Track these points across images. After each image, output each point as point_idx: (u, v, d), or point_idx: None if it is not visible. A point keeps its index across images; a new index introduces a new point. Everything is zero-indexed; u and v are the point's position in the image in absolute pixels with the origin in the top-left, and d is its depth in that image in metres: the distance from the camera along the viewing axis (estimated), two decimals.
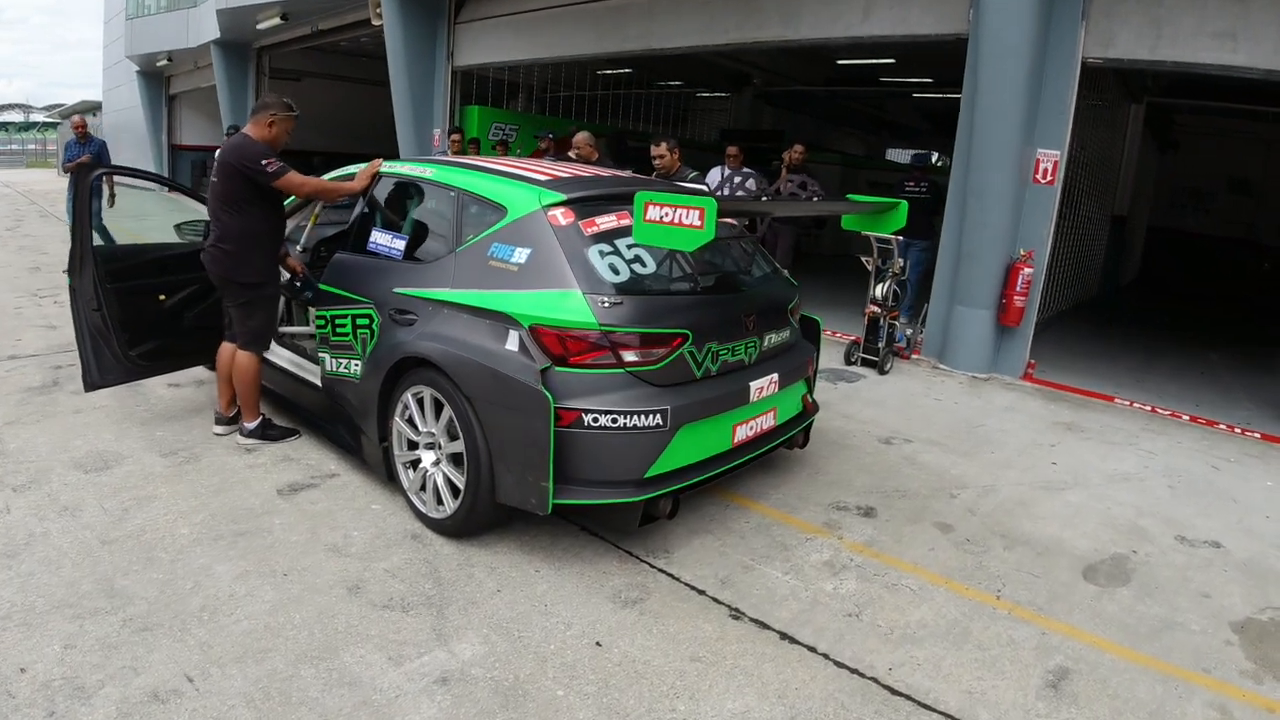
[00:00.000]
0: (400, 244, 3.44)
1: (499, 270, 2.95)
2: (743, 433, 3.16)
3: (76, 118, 9.40)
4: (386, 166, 3.73)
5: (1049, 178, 5.50)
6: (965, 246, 5.72)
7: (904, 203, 3.57)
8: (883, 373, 5.75)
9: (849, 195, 4.02)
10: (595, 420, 2.72)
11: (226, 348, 3.75)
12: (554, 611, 2.65)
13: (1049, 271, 6.04)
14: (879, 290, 5.73)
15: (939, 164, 12.78)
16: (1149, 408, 5.46)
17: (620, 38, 8.63)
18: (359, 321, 3.43)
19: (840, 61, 11.63)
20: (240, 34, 13.25)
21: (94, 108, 28.25)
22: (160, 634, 2.40)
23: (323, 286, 3.68)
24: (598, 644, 2.48)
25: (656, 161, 4.83)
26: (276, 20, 11.59)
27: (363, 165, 3.82)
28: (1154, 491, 4.03)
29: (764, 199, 3.08)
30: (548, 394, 2.60)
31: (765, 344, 3.27)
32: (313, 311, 3.78)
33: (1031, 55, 5.25)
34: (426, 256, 3.31)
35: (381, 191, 3.73)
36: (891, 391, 5.45)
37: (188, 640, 2.38)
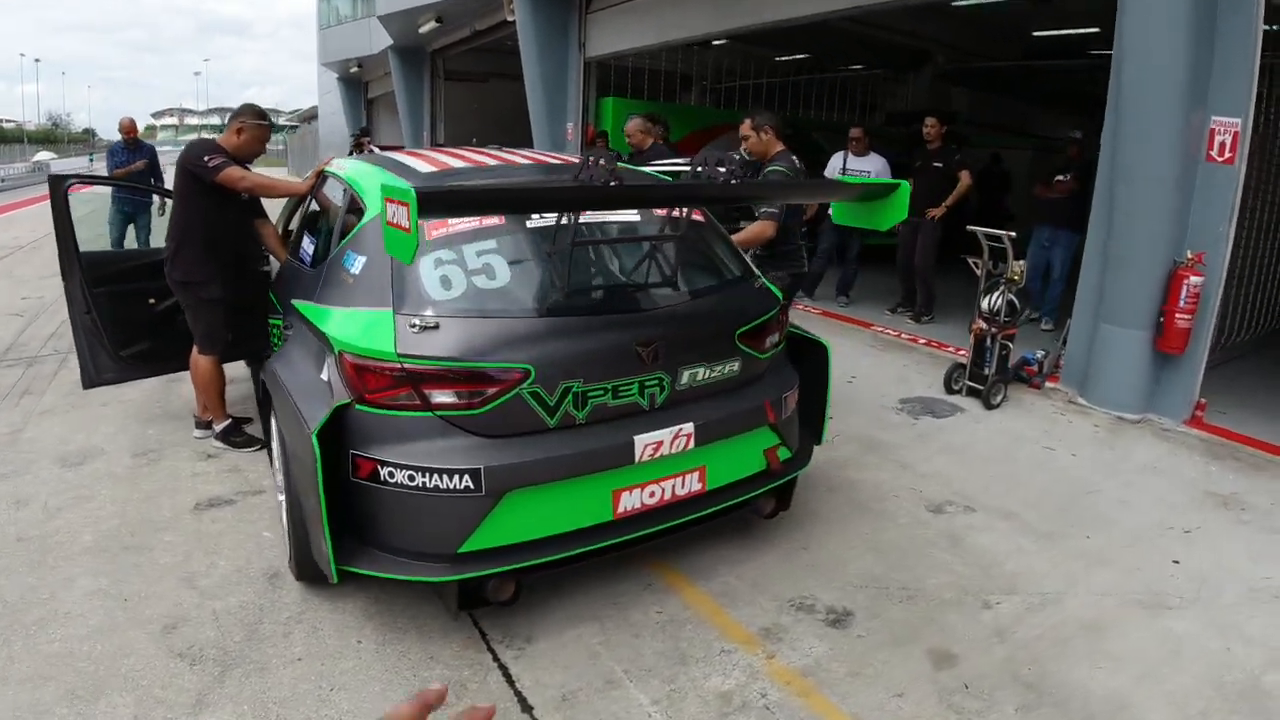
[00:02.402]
0: (310, 250, 3.14)
1: (343, 283, 2.51)
2: (632, 501, 2.40)
3: (125, 120, 8.06)
4: (330, 166, 3.45)
5: (1227, 154, 3.80)
6: (1113, 247, 4.18)
7: (904, 184, 2.52)
8: (989, 406, 4.43)
9: (843, 178, 2.99)
10: (392, 475, 2.17)
11: (194, 350, 3.73)
12: (333, 700, 2.17)
13: (1231, 280, 4.31)
14: (987, 301, 4.41)
15: None
16: None
17: (736, 13, 7.98)
18: (274, 333, 3.21)
19: (1036, 33, 9.67)
20: (411, 39, 14.13)
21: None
22: None
23: (271, 295, 3.52)
24: None
25: (744, 144, 3.93)
26: (434, 23, 12.16)
27: None
28: None
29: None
30: (314, 436, 2.09)
31: (680, 382, 2.47)
32: None
33: None
34: (316, 264, 2.97)
35: (320, 193, 3.46)
36: (988, 434, 4.16)
37: (2, 652, 2.32)
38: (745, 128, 3.77)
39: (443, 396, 2.17)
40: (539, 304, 2.35)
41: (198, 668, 2.29)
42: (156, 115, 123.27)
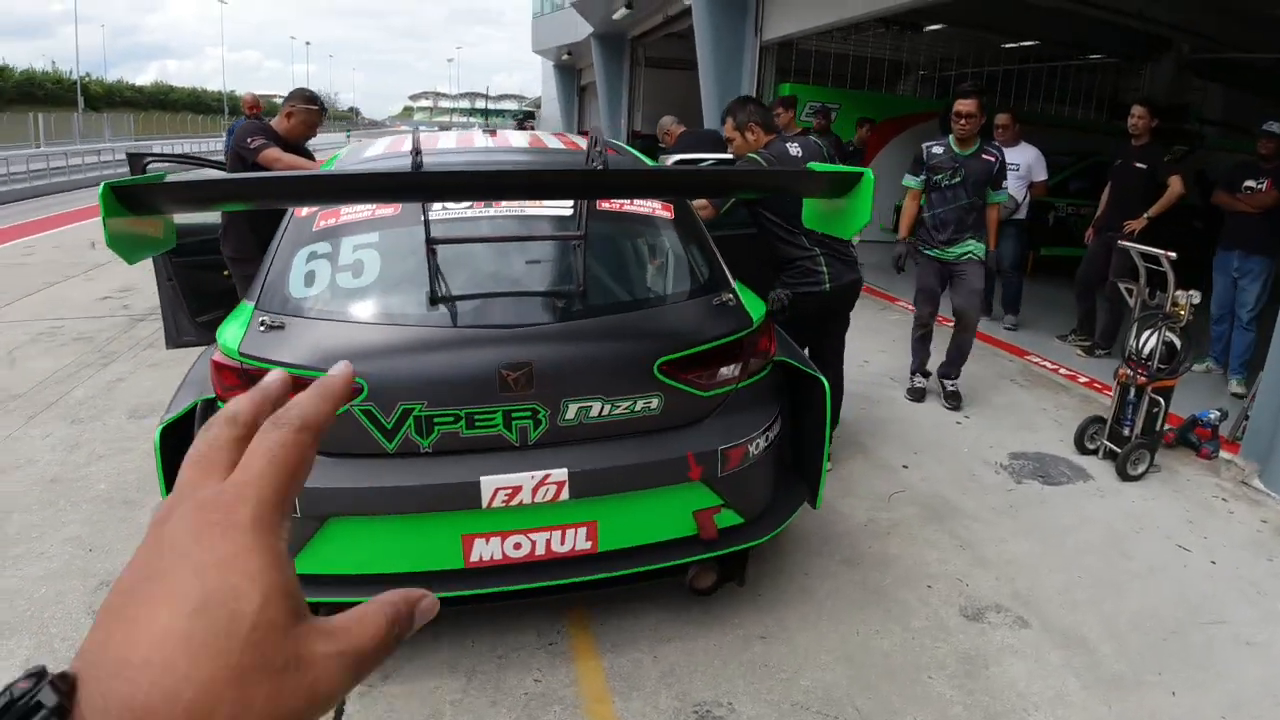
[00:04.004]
0: None
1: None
2: (489, 551, 2.01)
3: (248, 95, 7.75)
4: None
5: None
6: None
7: (868, 173, 1.80)
8: (1125, 477, 3.32)
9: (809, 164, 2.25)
10: None
11: None
12: None
13: None
14: (1139, 340, 3.27)
15: None
16: None
17: None
18: None
19: None
20: (610, 26, 14.24)
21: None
22: None
23: None
24: None
25: (730, 147, 3.37)
26: (625, 10, 12.11)
27: None
28: None
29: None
30: (158, 430, 2.01)
31: (564, 418, 2.02)
32: None
33: None
34: None
35: None
36: (1106, 516, 3.10)
37: None
38: (728, 129, 3.14)
39: None
40: (393, 310, 2.05)
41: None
42: (414, 98, 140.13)
